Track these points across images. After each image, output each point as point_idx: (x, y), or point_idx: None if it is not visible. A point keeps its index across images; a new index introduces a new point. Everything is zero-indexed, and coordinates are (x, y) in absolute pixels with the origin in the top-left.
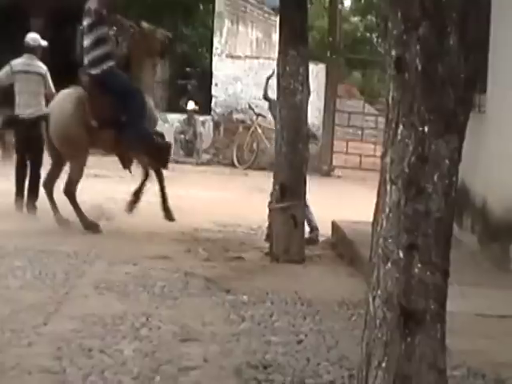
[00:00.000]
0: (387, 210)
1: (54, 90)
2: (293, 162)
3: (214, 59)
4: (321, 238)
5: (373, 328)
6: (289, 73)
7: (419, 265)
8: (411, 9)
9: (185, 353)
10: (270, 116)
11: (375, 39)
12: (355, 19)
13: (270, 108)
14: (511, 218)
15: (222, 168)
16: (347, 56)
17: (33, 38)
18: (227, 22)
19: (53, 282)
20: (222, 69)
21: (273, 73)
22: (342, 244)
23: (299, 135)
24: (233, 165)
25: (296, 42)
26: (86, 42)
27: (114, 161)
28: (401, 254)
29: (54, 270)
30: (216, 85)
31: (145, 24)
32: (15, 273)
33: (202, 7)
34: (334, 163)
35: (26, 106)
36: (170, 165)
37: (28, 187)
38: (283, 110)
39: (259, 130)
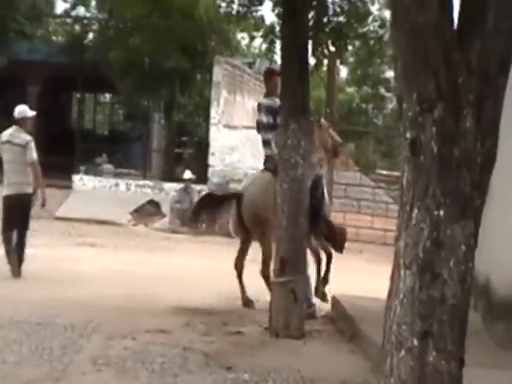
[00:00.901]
0: (401, 295)
1: (35, 159)
2: (293, 235)
3: (212, 129)
4: (320, 313)
5: None
6: (290, 146)
7: (434, 353)
8: (427, 90)
9: None
10: None
11: (371, 110)
12: (351, 90)
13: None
14: None
15: (218, 238)
16: (344, 127)
17: (19, 110)
18: (224, 92)
19: (50, 356)
20: (218, 138)
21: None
22: (342, 319)
23: (300, 209)
24: (229, 235)
25: (297, 115)
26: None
27: (108, 230)
28: (415, 342)
29: (50, 344)
30: (213, 154)
31: (324, 121)
32: (11, 347)
33: (199, 76)
34: None
35: (10, 184)
36: (166, 234)
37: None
38: (284, 184)
39: None
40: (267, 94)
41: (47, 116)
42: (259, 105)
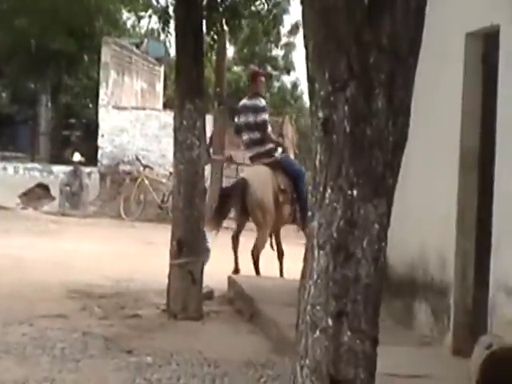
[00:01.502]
0: (315, 276)
1: None
2: (190, 217)
3: (101, 110)
4: (216, 293)
5: None
6: (186, 127)
7: (348, 332)
8: (338, 69)
9: None
10: (157, 167)
11: None
12: (238, 69)
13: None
14: (413, 275)
15: (108, 220)
16: (234, 106)
17: None
18: (113, 73)
19: None
20: (108, 120)
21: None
22: (240, 300)
23: (196, 190)
24: (120, 217)
25: (192, 96)
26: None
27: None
28: (329, 322)
29: None
30: (102, 136)
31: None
32: None
33: (86, 58)
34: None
35: None
36: (56, 218)
37: None
38: (180, 165)
39: (146, 182)
40: (252, 95)
41: None
42: (244, 106)
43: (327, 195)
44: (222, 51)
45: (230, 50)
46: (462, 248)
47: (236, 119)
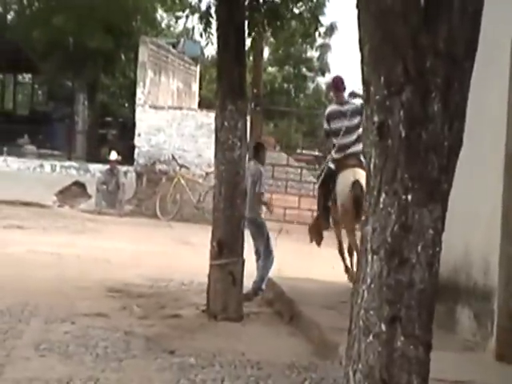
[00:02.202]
0: (369, 280)
1: None
2: (230, 218)
3: (137, 109)
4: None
5: None
6: (227, 128)
7: (402, 338)
8: (394, 73)
9: None
10: (193, 167)
11: (293, 90)
12: (273, 69)
13: None
14: (456, 279)
15: (144, 219)
16: (269, 107)
17: None
18: (150, 73)
19: None
20: (144, 119)
21: None
22: (279, 301)
23: (237, 191)
24: (156, 216)
25: (234, 96)
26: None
27: (34, 211)
28: (383, 327)
29: None
30: (139, 135)
31: None
32: None
33: (123, 57)
34: None
35: None
36: (92, 216)
37: None
38: (221, 166)
39: (182, 181)
40: (342, 101)
41: None
42: (332, 112)
43: (381, 200)
44: (259, 52)
45: (265, 51)
46: (506, 252)
47: (327, 124)
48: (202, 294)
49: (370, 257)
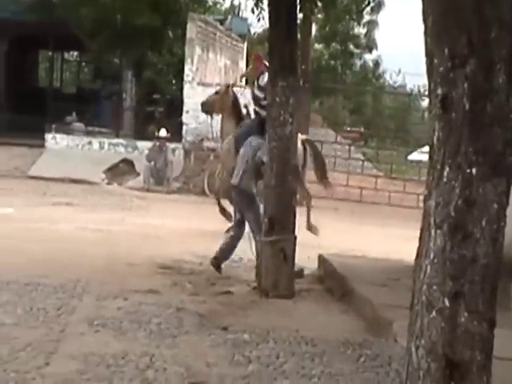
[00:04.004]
0: (432, 255)
1: None
2: (282, 194)
3: (185, 86)
4: (306, 272)
5: (416, 380)
6: (278, 104)
7: (465, 314)
8: (458, 45)
9: None
10: None
11: (339, 67)
12: (319, 46)
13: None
14: (511, 256)
15: (192, 196)
16: (317, 84)
17: None
18: (198, 49)
19: (46, 318)
20: (192, 96)
21: None
22: (330, 278)
23: (288, 167)
24: (204, 193)
25: (285, 73)
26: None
27: (83, 189)
28: (446, 303)
29: (44, 305)
30: (187, 112)
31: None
32: (6, 308)
33: (170, 34)
34: None
35: None
36: (140, 193)
37: None
38: (272, 142)
39: None
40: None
41: (15, 75)
42: None
43: (445, 174)
44: (307, 28)
45: (312, 28)
46: None
47: None
48: (251, 270)
49: (433, 231)
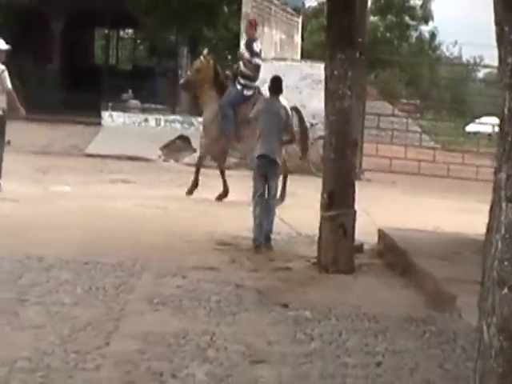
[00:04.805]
0: (503, 230)
1: (8, 87)
2: (341, 168)
3: (241, 62)
4: (365, 246)
5: (488, 358)
6: (337, 77)
7: None
8: None
9: (259, 376)
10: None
11: (395, 39)
12: (375, 19)
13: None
14: None
15: (248, 172)
16: (373, 56)
17: None
18: None
19: (105, 297)
20: None
21: None
22: (391, 253)
23: (348, 141)
24: None
25: (344, 45)
26: None
27: (139, 166)
28: None
29: (103, 283)
30: None
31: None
32: (65, 287)
33: (225, 9)
34: (364, 166)
35: None
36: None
37: None
38: (331, 116)
39: None
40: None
41: (71, 53)
42: None
43: None
44: (363, 0)
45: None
46: None
47: None
48: (310, 246)
49: (504, 205)
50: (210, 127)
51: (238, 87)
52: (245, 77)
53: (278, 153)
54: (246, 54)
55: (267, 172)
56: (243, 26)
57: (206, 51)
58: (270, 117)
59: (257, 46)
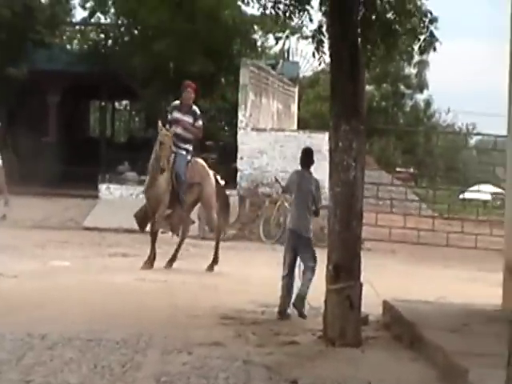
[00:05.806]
0: None
1: None
2: (347, 240)
3: (239, 132)
4: (370, 318)
5: None
6: (341, 148)
7: None
8: None
9: None
10: None
11: (390, 108)
12: (370, 88)
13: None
14: None
15: (248, 243)
16: (369, 126)
17: None
18: (251, 95)
19: (112, 376)
20: (246, 142)
21: None
22: (398, 325)
23: (353, 213)
24: (259, 239)
25: (348, 116)
26: None
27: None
28: None
29: (108, 362)
30: (241, 158)
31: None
32: (70, 366)
33: (223, 80)
34: (363, 235)
35: None
36: (195, 241)
37: None
38: (336, 187)
39: (286, 204)
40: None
41: (68, 125)
42: None
43: None
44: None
45: None
46: None
47: None
48: (315, 318)
49: None
50: (165, 194)
51: (183, 153)
52: (186, 141)
53: (307, 225)
54: (187, 119)
55: (296, 245)
56: (241, 97)
57: (160, 123)
58: (302, 189)
59: (197, 109)
